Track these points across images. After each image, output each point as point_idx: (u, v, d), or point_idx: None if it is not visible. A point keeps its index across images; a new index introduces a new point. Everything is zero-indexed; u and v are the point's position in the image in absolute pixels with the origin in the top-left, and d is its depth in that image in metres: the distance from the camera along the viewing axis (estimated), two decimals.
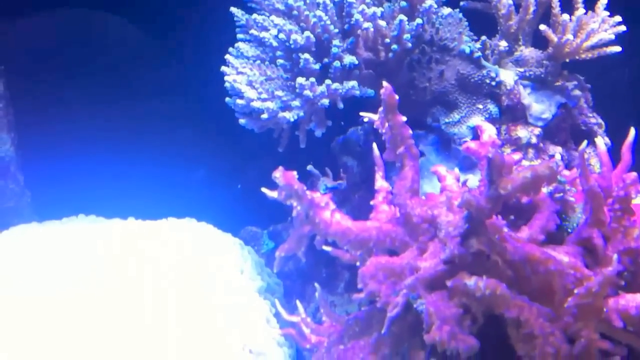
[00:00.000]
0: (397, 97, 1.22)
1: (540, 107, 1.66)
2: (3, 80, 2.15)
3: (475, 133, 1.61)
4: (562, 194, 1.19)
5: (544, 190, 1.19)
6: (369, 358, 1.16)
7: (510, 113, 1.66)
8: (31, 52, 2.25)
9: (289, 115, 1.55)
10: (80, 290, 1.42)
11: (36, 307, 1.39)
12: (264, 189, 1.22)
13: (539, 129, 1.64)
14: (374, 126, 1.27)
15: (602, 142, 1.25)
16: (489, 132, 1.27)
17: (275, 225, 2.05)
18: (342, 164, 1.89)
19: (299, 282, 1.91)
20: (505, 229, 1.09)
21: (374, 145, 1.34)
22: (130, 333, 1.36)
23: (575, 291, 1.05)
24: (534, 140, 1.62)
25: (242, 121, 1.61)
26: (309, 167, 1.87)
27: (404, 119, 1.23)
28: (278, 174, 1.19)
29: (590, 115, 1.71)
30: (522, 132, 1.63)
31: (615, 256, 1.06)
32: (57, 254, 1.52)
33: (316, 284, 1.33)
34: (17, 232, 1.68)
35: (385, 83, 1.23)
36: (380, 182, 1.33)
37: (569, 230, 1.20)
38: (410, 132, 1.24)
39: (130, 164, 2.26)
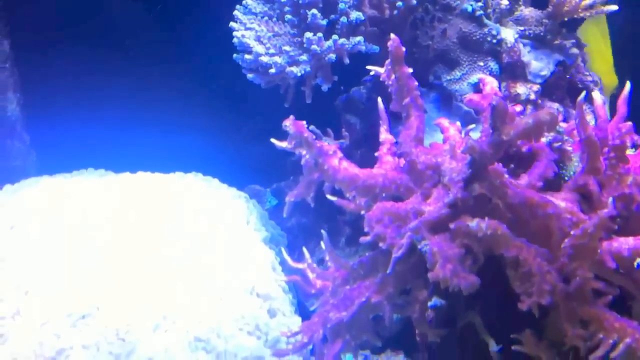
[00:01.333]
0: (404, 49, 1.27)
1: (539, 64, 1.71)
2: (8, 40, 2.17)
3: (476, 89, 1.67)
4: (560, 143, 1.25)
5: (543, 139, 1.24)
6: (374, 297, 1.22)
7: (510, 70, 1.71)
8: (36, 11, 2.27)
9: (296, 70, 1.60)
10: (100, 229, 1.49)
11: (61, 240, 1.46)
12: (273, 140, 1.27)
13: (538, 86, 1.69)
14: (381, 79, 1.32)
15: (598, 95, 1.30)
16: (492, 84, 1.32)
17: (279, 183, 2.10)
18: (345, 121, 1.93)
19: (301, 236, 1.97)
20: (506, 175, 1.15)
21: (379, 100, 1.39)
22: (142, 267, 1.42)
23: (572, 232, 1.11)
24: (532, 96, 1.68)
25: (249, 76, 1.66)
26: (311, 128, 1.92)
27: (410, 70, 1.28)
28: (288, 123, 1.24)
29: (587, 73, 1.76)
30: (521, 89, 1.68)
31: (610, 199, 1.12)
32: (75, 197, 1.58)
33: (322, 231, 1.38)
34: (30, 181, 1.73)
35: (392, 35, 1.28)
36: (384, 135, 1.38)
37: (566, 178, 1.25)
38: (416, 83, 1.29)
39: (134, 122, 2.29)
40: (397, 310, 1.25)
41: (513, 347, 1.15)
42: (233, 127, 2.38)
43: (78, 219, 1.51)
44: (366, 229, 1.23)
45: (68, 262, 1.42)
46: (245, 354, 1.37)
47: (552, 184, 1.23)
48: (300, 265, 1.42)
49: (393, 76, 1.29)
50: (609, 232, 1.14)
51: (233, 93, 2.29)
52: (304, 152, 1.25)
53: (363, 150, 1.89)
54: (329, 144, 1.27)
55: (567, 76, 1.75)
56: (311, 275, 1.40)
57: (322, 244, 1.36)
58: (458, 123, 1.39)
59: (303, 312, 1.64)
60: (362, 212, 1.31)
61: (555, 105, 1.70)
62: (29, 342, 1.30)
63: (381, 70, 1.31)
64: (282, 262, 1.62)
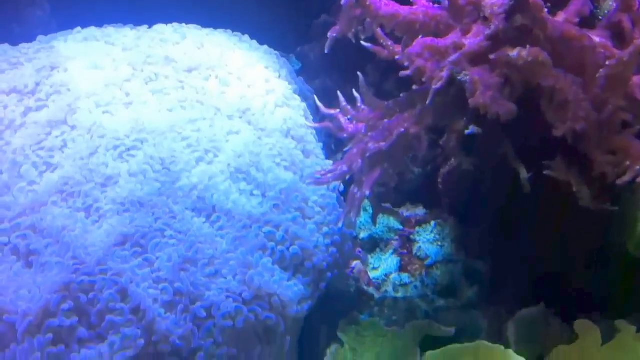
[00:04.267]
0: None
1: None
2: None
3: None
4: None
5: None
6: (412, 127, 1.27)
7: None
8: None
9: None
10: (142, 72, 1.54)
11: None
12: None
13: None
14: None
15: None
16: None
17: (302, 47, 2.13)
18: None
19: (325, 99, 2.01)
20: (545, 10, 1.19)
21: None
22: (185, 106, 1.48)
23: (607, 62, 1.16)
24: None
25: None
26: None
27: None
28: None
29: None
30: None
31: None
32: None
33: (359, 73, 1.41)
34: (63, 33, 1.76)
35: None
36: None
37: (600, 17, 1.29)
38: None
39: None
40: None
41: (544, 172, 1.22)
42: None
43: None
44: (405, 64, 1.28)
45: (114, 97, 1.47)
46: (283, 186, 1.44)
47: (587, 23, 1.27)
48: (332, 111, 1.47)
49: None
50: None
51: None
52: None
53: None
54: None
55: None
56: (343, 120, 1.45)
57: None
58: None
59: None
60: (396, 57, 1.35)
61: None
62: (78, 169, 1.36)
63: None
64: (314, 114, 1.67)
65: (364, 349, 1.49)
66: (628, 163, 1.17)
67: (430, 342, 1.48)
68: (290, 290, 1.36)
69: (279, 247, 1.38)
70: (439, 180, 1.70)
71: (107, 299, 1.23)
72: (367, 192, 1.29)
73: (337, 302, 1.58)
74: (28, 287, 1.24)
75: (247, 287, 1.32)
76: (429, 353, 1.40)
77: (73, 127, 1.43)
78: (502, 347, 1.35)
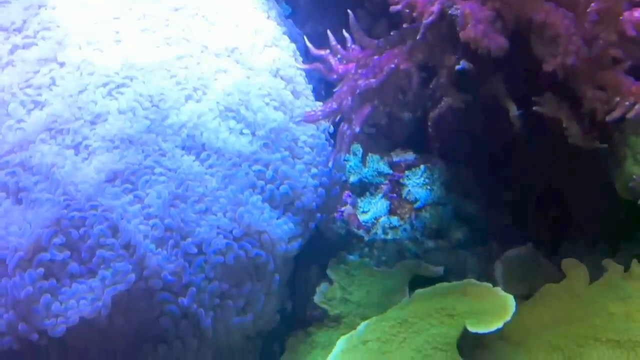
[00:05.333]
0: None
1: None
2: None
3: None
4: None
5: None
6: (403, 63, 1.27)
7: None
8: None
9: None
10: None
11: None
12: None
13: None
14: None
15: None
16: None
17: None
18: None
19: (316, 43, 2.00)
20: None
21: None
22: (173, 45, 1.48)
23: None
24: None
25: None
26: None
27: None
28: None
29: None
30: None
31: None
32: None
33: (349, 11, 1.40)
34: None
35: None
36: None
37: None
38: None
39: None
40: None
41: (534, 108, 1.22)
42: None
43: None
44: None
45: (102, 34, 1.45)
46: (273, 125, 1.44)
47: None
48: (322, 51, 1.46)
49: None
50: (631, 4, 1.19)
51: None
52: None
53: None
54: None
55: None
56: (333, 61, 1.44)
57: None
58: None
59: None
60: None
61: None
62: (67, 106, 1.35)
63: None
64: (303, 57, 1.66)
65: (354, 288, 1.51)
66: (618, 99, 1.17)
67: (419, 282, 1.49)
68: (280, 228, 1.36)
69: (269, 186, 1.39)
70: (429, 124, 1.70)
71: (97, 234, 1.23)
72: (357, 129, 1.29)
73: (326, 244, 1.59)
74: (18, 223, 1.24)
75: (237, 224, 1.32)
76: (418, 291, 1.42)
77: (62, 65, 1.41)
78: (490, 285, 1.36)
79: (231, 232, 1.31)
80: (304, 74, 1.61)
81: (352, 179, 1.80)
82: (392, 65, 1.27)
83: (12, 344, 1.18)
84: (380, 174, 1.80)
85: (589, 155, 1.38)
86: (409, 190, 1.76)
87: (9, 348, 1.18)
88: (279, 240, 1.35)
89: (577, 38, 1.16)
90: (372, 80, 1.28)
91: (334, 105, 1.33)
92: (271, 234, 1.34)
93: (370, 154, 1.71)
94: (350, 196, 1.78)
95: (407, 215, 1.72)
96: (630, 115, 1.16)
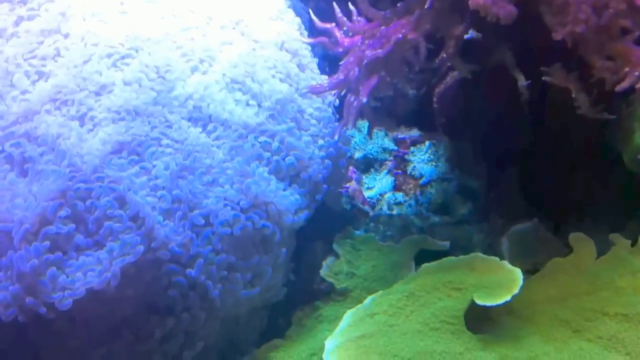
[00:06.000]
0: None
1: None
2: None
3: None
4: None
5: None
6: (410, 33, 1.26)
7: None
8: None
9: None
10: None
11: None
12: None
13: None
14: None
15: None
16: None
17: None
18: None
19: (320, 19, 1.98)
20: None
21: None
22: (178, 17, 1.46)
23: None
24: None
25: None
26: None
27: None
28: None
29: None
30: None
31: None
32: None
33: None
34: None
35: None
36: None
37: None
38: None
39: None
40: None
41: (543, 78, 1.22)
42: None
43: None
44: None
45: (107, 6, 1.44)
46: (279, 97, 1.43)
47: None
48: (327, 25, 1.45)
49: None
50: None
51: None
52: None
53: None
54: None
55: None
56: (339, 34, 1.43)
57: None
58: None
59: None
60: None
61: None
62: (72, 77, 1.34)
63: None
64: (308, 30, 1.65)
65: (360, 262, 1.50)
66: (627, 69, 1.16)
67: (425, 257, 1.49)
68: (287, 200, 1.36)
69: (275, 158, 1.38)
70: (434, 99, 1.70)
71: (104, 206, 1.22)
72: (365, 99, 1.28)
73: (331, 219, 1.58)
74: (23, 195, 1.23)
75: (244, 195, 1.31)
76: (424, 265, 1.42)
77: (66, 36, 1.40)
78: (497, 259, 1.36)
79: (238, 203, 1.31)
80: (309, 47, 1.60)
81: (357, 155, 1.80)
82: (400, 35, 1.26)
83: (17, 316, 1.17)
84: (385, 150, 1.80)
85: (596, 128, 1.38)
86: (414, 166, 1.76)
87: (14, 320, 1.18)
88: (285, 212, 1.35)
89: (587, 7, 1.15)
90: (380, 50, 1.27)
91: (341, 77, 1.32)
92: (278, 205, 1.34)
93: (375, 130, 1.71)
94: (355, 172, 1.77)
95: (412, 191, 1.72)
96: (639, 85, 1.15)
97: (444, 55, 1.27)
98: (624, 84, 1.16)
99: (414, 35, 1.25)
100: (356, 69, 1.30)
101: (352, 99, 1.31)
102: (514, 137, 1.53)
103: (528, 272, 1.41)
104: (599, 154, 1.44)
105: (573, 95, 1.22)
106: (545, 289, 1.35)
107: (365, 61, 1.28)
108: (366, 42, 1.31)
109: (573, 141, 1.43)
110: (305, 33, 1.64)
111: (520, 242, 1.49)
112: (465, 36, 1.22)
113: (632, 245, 1.34)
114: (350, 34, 1.39)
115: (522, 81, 1.24)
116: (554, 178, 1.52)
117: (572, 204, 1.51)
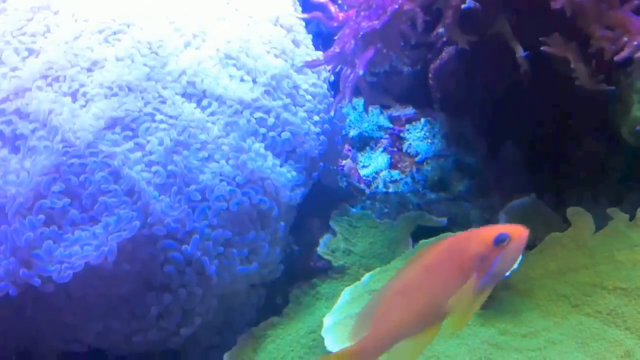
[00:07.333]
0: None
1: None
2: None
3: None
4: None
5: None
6: (407, 4, 1.23)
7: None
8: None
9: None
10: None
11: None
12: None
13: None
14: None
15: None
16: None
17: None
18: None
19: None
20: None
21: None
22: None
23: None
24: None
25: None
26: None
27: None
28: None
29: None
30: None
31: None
32: None
33: None
34: None
35: None
36: None
37: None
38: None
39: None
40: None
41: (542, 48, 1.20)
42: None
43: None
44: None
45: None
46: (274, 72, 1.41)
47: None
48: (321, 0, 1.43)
49: None
50: None
51: None
52: None
53: None
54: None
55: None
56: (333, 8, 1.41)
57: None
58: None
59: None
60: None
61: None
62: (63, 53, 1.32)
63: None
64: (302, 4, 1.63)
65: (357, 239, 1.49)
66: (626, 39, 1.15)
67: (422, 233, 1.48)
68: (283, 176, 1.34)
69: (270, 133, 1.37)
70: (430, 75, 1.69)
71: (99, 181, 1.21)
72: (362, 72, 1.27)
73: (327, 196, 1.57)
74: (16, 172, 1.22)
75: (240, 171, 1.30)
76: (422, 241, 1.41)
77: (56, 12, 1.38)
78: None
79: (234, 179, 1.29)
80: (303, 23, 1.58)
81: (352, 133, 1.78)
82: (396, 6, 1.24)
83: (9, 289, 1.15)
84: (380, 128, 1.79)
85: (595, 101, 1.37)
86: (410, 144, 1.74)
87: (7, 294, 1.16)
88: (282, 187, 1.33)
89: None
90: (376, 22, 1.25)
91: (337, 50, 1.30)
92: (274, 181, 1.32)
93: (370, 107, 1.70)
94: (350, 150, 1.76)
95: (408, 169, 1.71)
96: (638, 55, 1.14)
97: (441, 27, 1.26)
98: (623, 54, 1.14)
99: (410, 5, 1.23)
100: (352, 42, 1.28)
101: (349, 72, 1.30)
102: (510, 112, 1.52)
103: (526, 248, 1.40)
104: (599, 127, 1.43)
105: (572, 66, 1.20)
106: (544, 264, 1.34)
107: (361, 33, 1.26)
108: (362, 14, 1.29)
109: (571, 114, 1.42)
110: (300, 9, 1.62)
111: (518, 217, 1.48)
112: (463, 6, 1.20)
113: (630, 219, 1.34)
114: (345, 7, 1.38)
115: (520, 52, 1.23)
116: (553, 153, 1.51)
117: (572, 179, 1.50)
